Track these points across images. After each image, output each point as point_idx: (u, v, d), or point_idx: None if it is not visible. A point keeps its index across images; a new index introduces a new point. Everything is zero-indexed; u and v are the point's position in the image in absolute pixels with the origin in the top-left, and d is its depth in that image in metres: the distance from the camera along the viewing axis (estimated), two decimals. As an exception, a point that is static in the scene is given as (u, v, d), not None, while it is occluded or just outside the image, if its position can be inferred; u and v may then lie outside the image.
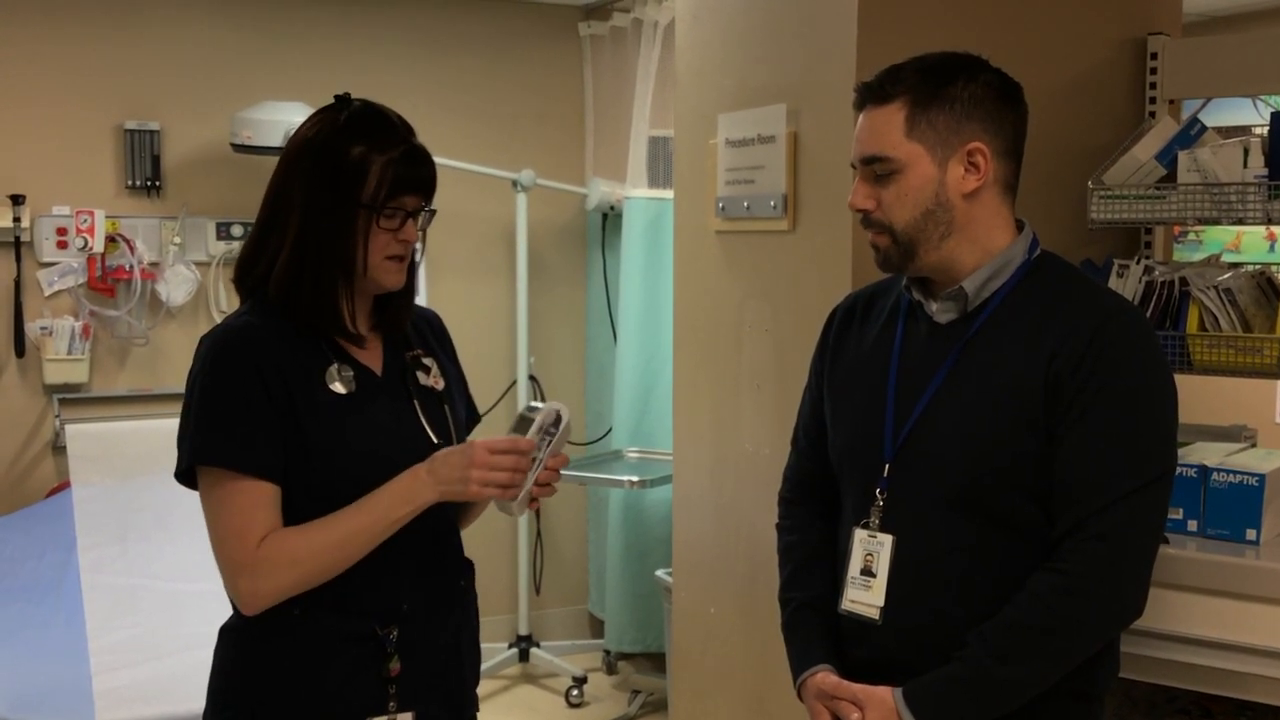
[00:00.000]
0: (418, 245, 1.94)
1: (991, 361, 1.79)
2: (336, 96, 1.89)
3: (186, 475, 1.83)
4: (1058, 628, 1.72)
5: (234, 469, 1.77)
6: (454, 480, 1.79)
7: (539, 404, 1.87)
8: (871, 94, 1.82)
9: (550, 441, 1.85)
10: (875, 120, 1.81)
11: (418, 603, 1.89)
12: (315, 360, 1.85)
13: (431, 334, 2.05)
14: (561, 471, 1.90)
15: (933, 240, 1.80)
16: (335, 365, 1.85)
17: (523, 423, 1.85)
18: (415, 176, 1.84)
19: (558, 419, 1.86)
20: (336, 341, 1.88)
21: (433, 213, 1.90)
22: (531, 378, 5.06)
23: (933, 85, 1.78)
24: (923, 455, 1.81)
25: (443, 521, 1.94)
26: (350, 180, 1.81)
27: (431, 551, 1.92)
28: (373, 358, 1.92)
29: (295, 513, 1.81)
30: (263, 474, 1.78)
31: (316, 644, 1.83)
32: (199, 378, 1.81)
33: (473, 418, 2.10)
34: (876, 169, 1.81)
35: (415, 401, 1.93)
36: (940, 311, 1.85)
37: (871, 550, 1.84)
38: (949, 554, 1.79)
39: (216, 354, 1.81)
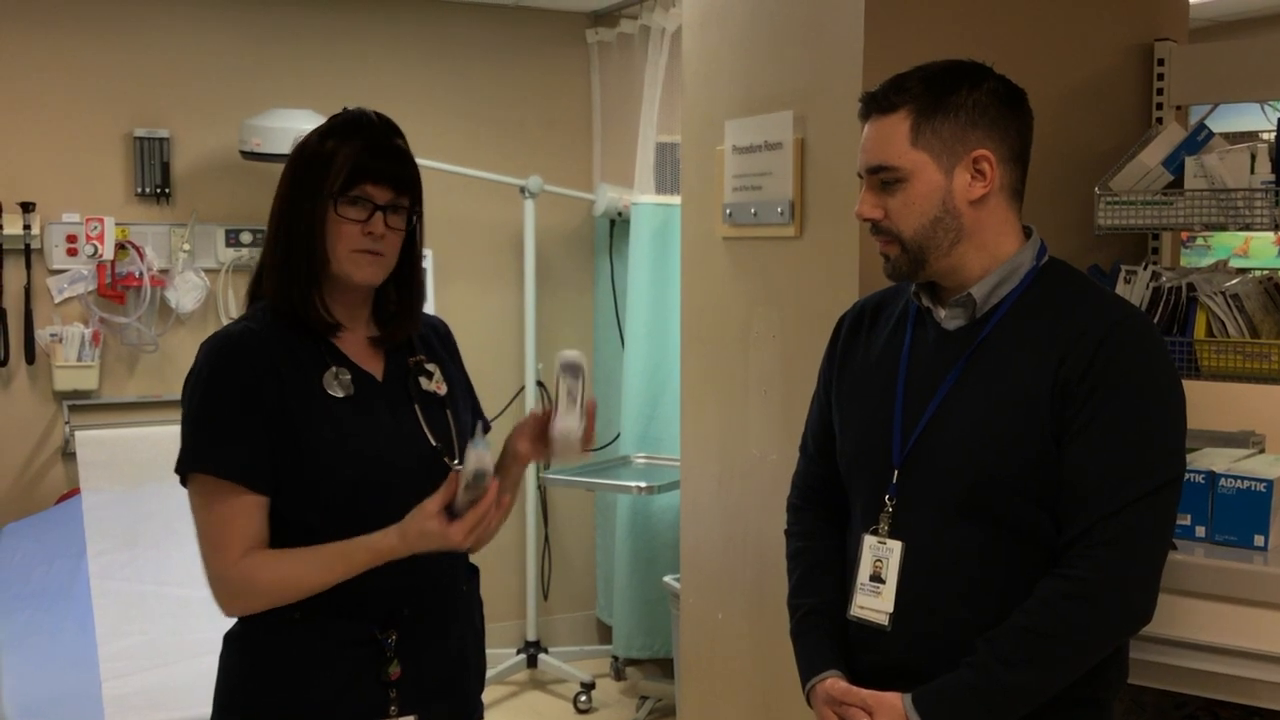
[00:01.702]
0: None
1: (999, 368, 1.79)
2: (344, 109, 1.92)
3: (184, 478, 1.86)
4: (1066, 633, 1.71)
5: (219, 476, 1.80)
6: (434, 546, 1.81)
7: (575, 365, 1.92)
8: (876, 104, 1.83)
9: (582, 384, 1.90)
10: (880, 130, 1.81)
11: (418, 607, 1.89)
12: (313, 364, 1.86)
13: (438, 341, 2.06)
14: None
15: (942, 248, 1.81)
16: (334, 369, 1.87)
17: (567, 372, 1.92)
18: (379, 167, 1.85)
19: (576, 369, 1.91)
20: (336, 347, 1.89)
21: (418, 213, 1.91)
22: (539, 384, 5.07)
23: (937, 94, 1.79)
24: (931, 462, 1.81)
25: None
26: (317, 171, 1.84)
27: (433, 556, 1.91)
28: (375, 364, 1.93)
29: (292, 515, 1.82)
30: (247, 483, 1.80)
31: (316, 648, 1.85)
32: (195, 384, 1.84)
33: (484, 427, 2.10)
34: (883, 178, 1.81)
35: (416, 406, 1.93)
36: (948, 318, 1.85)
37: (880, 556, 1.84)
38: (958, 560, 1.79)
39: (212, 360, 1.84)
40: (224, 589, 1.82)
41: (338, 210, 1.83)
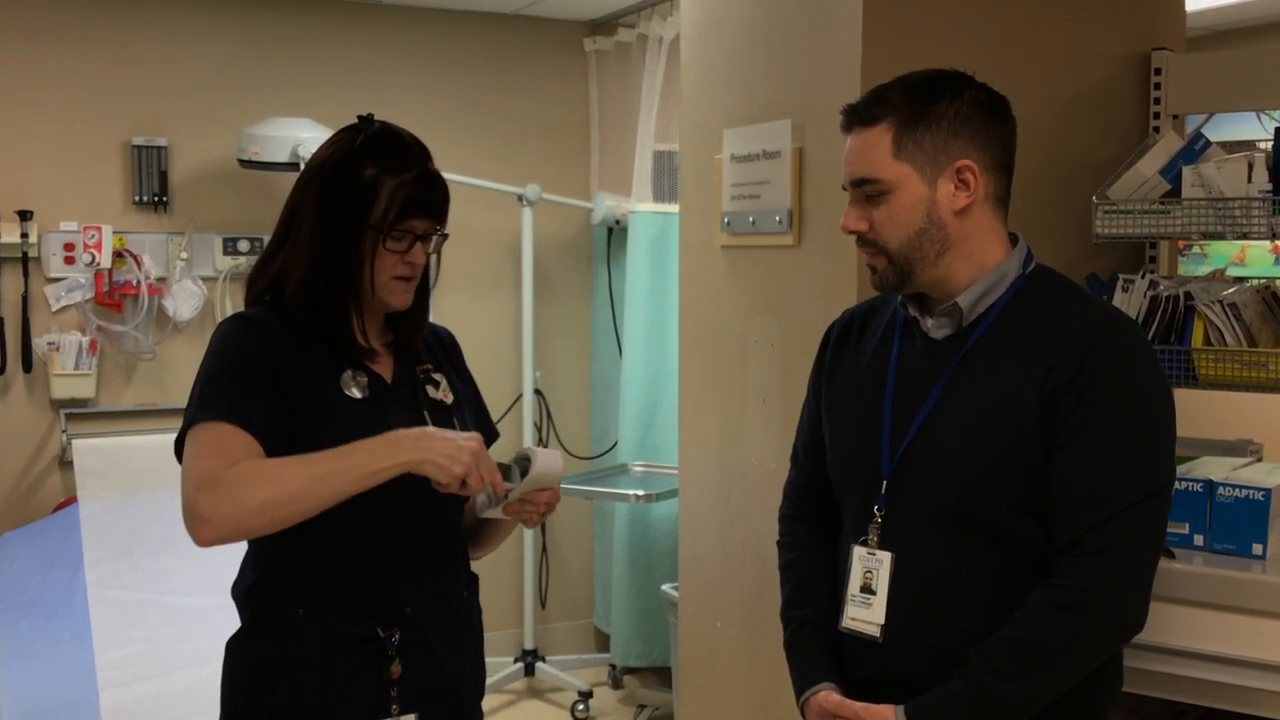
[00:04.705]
0: (432, 264, 1.96)
1: (987, 377, 1.79)
2: (360, 117, 1.92)
3: (181, 443, 1.83)
4: (1058, 643, 1.71)
5: (225, 420, 1.77)
6: (442, 454, 1.75)
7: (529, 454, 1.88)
8: (858, 116, 1.82)
9: (518, 482, 1.86)
10: (863, 142, 1.81)
11: (420, 607, 1.90)
12: (330, 363, 1.88)
13: (443, 351, 2.07)
14: (567, 485, 1.90)
15: (928, 259, 1.81)
16: (350, 370, 1.88)
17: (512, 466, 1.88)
18: (425, 200, 1.86)
19: (527, 460, 1.86)
20: (352, 350, 1.90)
21: (445, 236, 1.92)
22: (537, 392, 5.07)
23: (918, 105, 1.78)
24: (920, 472, 1.81)
25: (446, 528, 1.96)
26: (360, 202, 1.83)
27: (435, 557, 1.94)
28: (383, 371, 1.95)
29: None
30: (251, 430, 1.78)
31: (319, 646, 1.85)
32: (209, 351, 1.85)
33: (491, 438, 2.10)
34: (867, 190, 1.81)
35: (424, 412, 1.94)
36: (936, 327, 1.85)
37: (870, 568, 1.84)
38: (948, 570, 1.78)
39: (231, 331, 1.85)
40: (212, 491, 1.72)
41: (385, 244, 1.84)
